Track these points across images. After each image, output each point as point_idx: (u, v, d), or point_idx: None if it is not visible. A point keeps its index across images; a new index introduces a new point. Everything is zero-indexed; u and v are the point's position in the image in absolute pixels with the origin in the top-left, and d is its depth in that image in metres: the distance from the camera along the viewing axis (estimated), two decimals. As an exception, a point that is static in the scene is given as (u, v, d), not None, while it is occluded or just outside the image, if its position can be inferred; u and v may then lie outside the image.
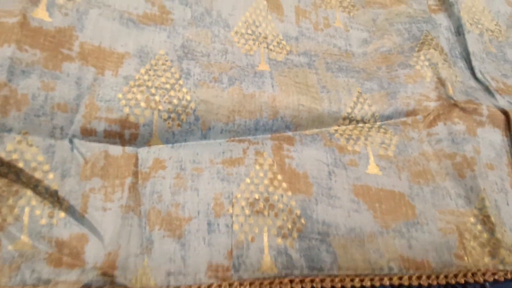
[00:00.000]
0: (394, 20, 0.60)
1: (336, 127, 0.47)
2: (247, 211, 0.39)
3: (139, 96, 0.42)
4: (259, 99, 0.45)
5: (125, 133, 0.40)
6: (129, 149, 0.41)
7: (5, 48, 0.38)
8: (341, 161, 0.43)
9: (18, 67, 0.38)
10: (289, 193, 0.40)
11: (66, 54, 0.41)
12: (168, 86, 0.43)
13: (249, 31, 0.51)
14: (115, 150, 0.40)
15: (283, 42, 0.52)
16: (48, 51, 0.40)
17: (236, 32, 0.51)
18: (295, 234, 0.38)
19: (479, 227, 0.42)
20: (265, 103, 0.45)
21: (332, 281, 0.36)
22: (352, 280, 0.37)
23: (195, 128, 0.43)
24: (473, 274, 0.38)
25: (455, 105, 0.49)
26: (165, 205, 0.38)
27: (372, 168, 0.44)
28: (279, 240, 0.38)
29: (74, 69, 0.41)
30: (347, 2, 0.61)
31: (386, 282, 0.37)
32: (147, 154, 0.41)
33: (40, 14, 0.42)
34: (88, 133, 0.39)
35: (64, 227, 0.36)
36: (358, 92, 0.49)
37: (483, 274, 0.39)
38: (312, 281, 0.36)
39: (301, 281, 0.36)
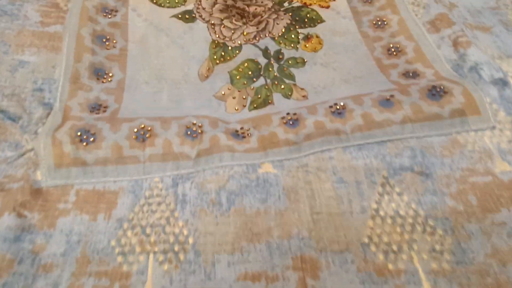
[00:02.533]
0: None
1: (368, 232, 0.39)
2: None
3: (133, 240, 0.39)
4: (265, 217, 0.40)
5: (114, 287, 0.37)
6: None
7: (5, 217, 0.39)
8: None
9: (13, 233, 0.38)
10: None
11: (62, 209, 0.41)
12: (163, 221, 0.40)
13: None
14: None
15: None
16: (45, 211, 0.41)
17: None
18: None
19: None
20: (274, 220, 0.40)
21: None
22: None
23: (196, 267, 0.38)
24: None
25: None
26: None
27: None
28: None
29: (69, 222, 0.40)
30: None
31: None
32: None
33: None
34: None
35: None
36: (383, 177, 0.42)
37: None
38: None
39: None
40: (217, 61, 0.58)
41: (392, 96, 0.48)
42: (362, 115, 0.47)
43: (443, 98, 0.46)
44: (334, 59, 0.59)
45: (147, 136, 0.46)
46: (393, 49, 0.57)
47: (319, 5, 0.65)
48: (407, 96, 0.48)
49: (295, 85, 0.56)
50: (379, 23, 0.60)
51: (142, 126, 0.47)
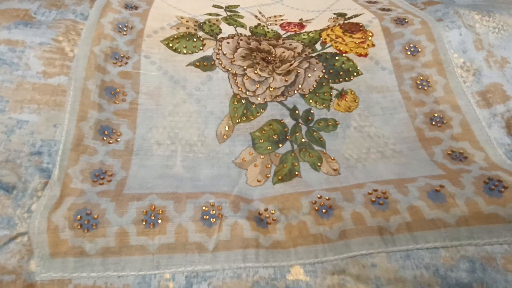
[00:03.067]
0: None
1: None
2: None
3: None
4: None
5: None
6: None
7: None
8: None
9: None
10: None
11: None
12: None
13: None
14: None
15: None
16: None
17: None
18: None
19: None
20: None
21: None
22: None
23: None
24: None
25: None
26: None
27: None
28: None
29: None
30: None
31: None
32: None
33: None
34: None
35: None
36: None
37: None
38: None
39: None
40: (238, 120, 0.52)
41: (442, 186, 0.41)
42: (409, 209, 0.40)
43: (505, 194, 0.40)
44: (370, 122, 0.52)
45: (158, 220, 0.40)
46: (437, 119, 0.50)
47: (356, 52, 0.59)
48: (460, 188, 0.41)
49: (324, 153, 0.49)
50: (423, 83, 0.54)
51: (153, 207, 0.41)
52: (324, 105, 0.53)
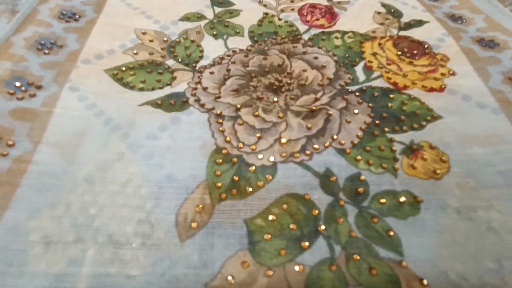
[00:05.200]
0: None
1: None
2: None
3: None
4: None
5: None
6: None
7: None
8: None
9: None
10: None
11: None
12: None
13: None
14: None
15: None
16: None
17: None
18: None
19: None
20: None
21: None
22: None
23: None
24: None
25: None
26: None
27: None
28: None
29: None
30: None
31: None
32: None
33: None
34: None
35: None
36: None
37: None
38: None
39: None
40: (223, 194, 0.27)
41: None
42: None
43: None
44: (487, 201, 0.27)
45: None
46: None
47: (424, 87, 0.36)
48: None
49: (403, 265, 0.24)
50: None
51: None
52: (384, 166, 0.29)
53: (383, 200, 0.27)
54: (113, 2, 0.47)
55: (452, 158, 0.30)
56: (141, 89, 0.35)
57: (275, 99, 0.34)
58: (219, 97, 0.34)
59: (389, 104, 0.34)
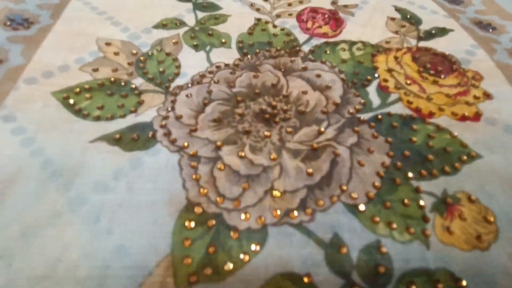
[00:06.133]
0: None
1: None
2: None
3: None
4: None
5: None
6: None
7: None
8: None
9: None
10: None
11: None
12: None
13: None
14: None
15: None
16: None
17: None
18: None
19: None
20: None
21: None
22: None
23: None
24: None
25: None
26: None
27: None
28: None
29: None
30: None
31: None
32: None
33: None
34: None
35: None
36: None
37: None
38: None
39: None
40: (194, 277, 0.20)
41: None
42: None
43: None
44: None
45: None
46: None
47: (453, 114, 0.29)
48: None
49: None
50: None
51: None
52: (412, 231, 0.22)
53: (417, 285, 0.20)
54: (76, 5, 0.39)
55: (499, 217, 0.23)
56: (97, 118, 0.28)
57: (267, 133, 0.27)
58: (196, 129, 0.27)
59: (413, 138, 0.27)
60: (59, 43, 0.34)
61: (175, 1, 0.42)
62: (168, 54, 0.34)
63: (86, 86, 0.30)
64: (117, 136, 0.26)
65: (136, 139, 0.26)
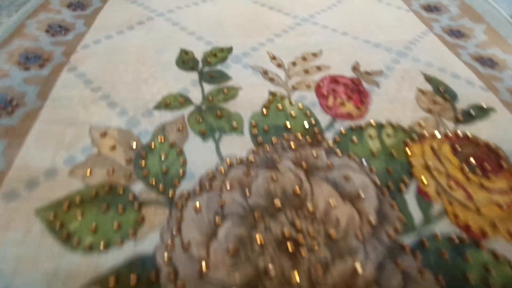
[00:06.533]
0: None
1: None
2: None
3: None
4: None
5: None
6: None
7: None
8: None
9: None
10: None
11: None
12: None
13: None
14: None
15: None
16: None
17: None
18: None
19: None
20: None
21: None
22: None
23: None
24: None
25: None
26: None
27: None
28: None
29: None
30: None
31: None
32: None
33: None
34: None
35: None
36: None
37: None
38: None
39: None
40: None
41: None
42: None
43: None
44: None
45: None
46: None
47: (510, 233, 0.25)
48: None
49: None
50: None
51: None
52: None
53: None
54: (67, 78, 0.35)
55: None
56: (90, 248, 0.23)
57: (296, 278, 0.22)
58: (208, 268, 0.22)
59: (467, 275, 0.23)
60: (46, 137, 0.29)
61: (178, 70, 0.37)
62: (172, 146, 0.30)
63: (77, 199, 0.26)
64: (112, 280, 0.22)
65: (135, 284, 0.22)
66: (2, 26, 0.41)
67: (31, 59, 0.37)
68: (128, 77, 0.36)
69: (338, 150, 0.30)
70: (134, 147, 0.30)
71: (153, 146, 0.30)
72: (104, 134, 0.30)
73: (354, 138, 0.31)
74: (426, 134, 0.32)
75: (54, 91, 0.34)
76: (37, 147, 0.29)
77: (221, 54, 0.40)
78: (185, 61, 0.38)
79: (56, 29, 0.42)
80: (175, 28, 0.44)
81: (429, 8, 0.52)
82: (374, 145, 0.31)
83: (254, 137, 0.31)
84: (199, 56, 0.39)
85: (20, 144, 0.29)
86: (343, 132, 0.32)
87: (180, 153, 0.29)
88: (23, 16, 0.43)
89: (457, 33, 0.46)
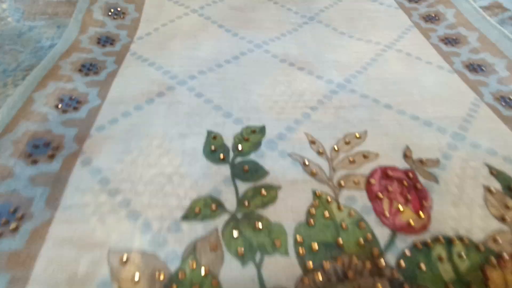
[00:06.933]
0: None
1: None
2: None
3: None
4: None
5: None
6: None
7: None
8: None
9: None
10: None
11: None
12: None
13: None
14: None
15: None
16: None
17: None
18: None
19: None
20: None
21: None
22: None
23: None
24: None
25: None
26: None
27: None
28: None
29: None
30: None
31: None
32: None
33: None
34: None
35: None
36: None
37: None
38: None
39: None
40: None
41: None
42: None
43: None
44: None
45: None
46: None
47: None
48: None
49: None
50: None
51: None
52: None
53: None
54: (79, 178, 0.30)
55: None
56: None
57: None
58: None
59: None
60: (57, 269, 0.25)
61: (206, 162, 0.33)
62: (206, 274, 0.25)
63: None
64: None
65: None
66: (8, 103, 0.36)
67: (39, 148, 0.33)
68: (149, 172, 0.31)
69: (403, 278, 0.25)
70: (161, 278, 0.25)
71: (183, 276, 0.25)
72: (125, 261, 0.25)
73: (421, 259, 0.26)
74: (506, 255, 0.27)
75: (66, 195, 0.29)
76: (45, 284, 0.24)
77: (254, 137, 0.35)
78: (214, 149, 0.34)
79: (67, 102, 0.38)
80: (199, 101, 0.39)
81: (472, 68, 0.47)
82: (446, 270, 0.26)
83: (301, 258, 0.26)
84: (228, 140, 0.35)
85: (25, 280, 0.24)
86: (408, 254, 0.27)
87: (217, 286, 0.25)
88: (31, 87, 0.39)
89: (510, 102, 0.41)
